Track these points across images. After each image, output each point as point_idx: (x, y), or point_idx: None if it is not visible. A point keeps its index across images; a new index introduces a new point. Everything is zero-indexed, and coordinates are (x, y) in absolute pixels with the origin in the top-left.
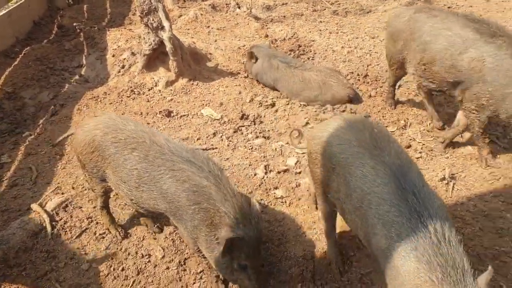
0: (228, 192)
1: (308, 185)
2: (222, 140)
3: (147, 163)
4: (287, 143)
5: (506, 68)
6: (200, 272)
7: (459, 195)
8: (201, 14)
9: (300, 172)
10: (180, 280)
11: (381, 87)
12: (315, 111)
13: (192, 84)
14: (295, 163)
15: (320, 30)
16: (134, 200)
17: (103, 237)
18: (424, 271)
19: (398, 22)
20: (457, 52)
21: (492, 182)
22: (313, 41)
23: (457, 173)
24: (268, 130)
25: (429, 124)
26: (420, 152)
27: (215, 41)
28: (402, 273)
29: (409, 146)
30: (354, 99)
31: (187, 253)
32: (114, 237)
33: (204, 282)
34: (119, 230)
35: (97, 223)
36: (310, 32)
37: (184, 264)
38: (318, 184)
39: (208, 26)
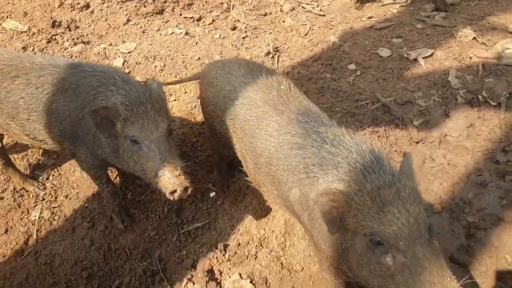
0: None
1: None
2: (35, 54)
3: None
4: (110, 44)
5: None
6: (43, 194)
7: (284, 66)
8: None
9: (129, 72)
10: (20, 207)
11: None
12: (135, 6)
13: None
14: (123, 64)
15: None
16: (31, 135)
17: None
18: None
19: None
20: None
21: (312, 49)
22: None
23: (280, 46)
24: (87, 34)
25: (251, 3)
26: (245, 32)
27: None
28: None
29: (234, 28)
30: None
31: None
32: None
33: (46, 202)
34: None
35: None
36: None
37: (21, 190)
38: (215, 135)
39: None
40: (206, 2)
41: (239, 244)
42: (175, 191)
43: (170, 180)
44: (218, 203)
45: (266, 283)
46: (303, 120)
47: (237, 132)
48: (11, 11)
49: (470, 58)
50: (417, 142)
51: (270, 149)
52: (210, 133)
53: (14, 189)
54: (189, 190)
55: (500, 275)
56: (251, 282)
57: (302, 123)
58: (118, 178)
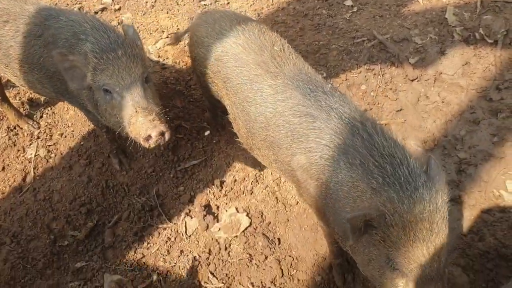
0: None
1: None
2: None
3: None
4: None
5: None
6: (38, 133)
7: (279, 2)
8: None
9: (119, 8)
10: (15, 145)
11: None
12: None
13: None
14: (113, 0)
15: None
16: (26, 86)
17: None
18: (359, 179)
19: None
20: None
21: None
22: None
23: None
24: None
25: None
26: None
27: None
28: (333, 188)
29: None
30: None
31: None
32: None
33: (41, 140)
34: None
35: None
36: None
37: (15, 128)
38: (206, 91)
39: None
40: None
41: (235, 180)
42: (149, 136)
43: (143, 126)
44: (214, 141)
45: (261, 216)
46: (304, 86)
47: (230, 95)
48: None
49: None
50: (412, 80)
51: (266, 114)
52: (202, 88)
53: (8, 127)
54: (167, 136)
55: (488, 208)
56: (247, 215)
57: (304, 89)
58: None
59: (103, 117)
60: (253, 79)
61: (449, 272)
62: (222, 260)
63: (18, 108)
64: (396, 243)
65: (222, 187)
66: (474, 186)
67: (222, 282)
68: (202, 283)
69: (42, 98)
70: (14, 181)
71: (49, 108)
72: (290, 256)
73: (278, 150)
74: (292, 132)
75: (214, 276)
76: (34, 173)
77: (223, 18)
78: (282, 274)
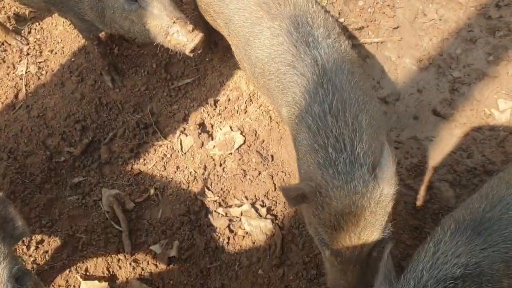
0: None
1: None
2: None
3: None
4: None
5: None
6: (27, 49)
7: None
8: None
9: None
10: (4, 62)
11: None
12: None
13: None
14: None
15: None
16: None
17: None
18: (310, 149)
19: None
20: None
21: None
22: None
23: None
24: None
25: None
26: None
27: None
28: (297, 145)
29: None
30: None
31: None
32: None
33: (31, 57)
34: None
35: None
36: None
37: (3, 44)
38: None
39: None
40: None
41: (229, 99)
42: (195, 47)
43: (185, 36)
44: (207, 59)
45: (255, 134)
46: (297, 32)
47: (232, 37)
48: None
49: None
50: None
51: (263, 59)
52: (202, 19)
53: None
54: (203, 41)
55: (478, 127)
56: (241, 133)
57: (296, 35)
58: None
59: (115, 24)
60: (255, 21)
61: (437, 187)
62: (217, 176)
63: (4, 23)
64: (324, 222)
65: (216, 106)
66: (467, 104)
67: (218, 196)
68: (198, 196)
69: (28, 12)
70: (7, 98)
71: (37, 23)
72: (282, 171)
73: (272, 100)
74: (279, 82)
75: (209, 190)
76: (26, 90)
77: None
78: (275, 188)
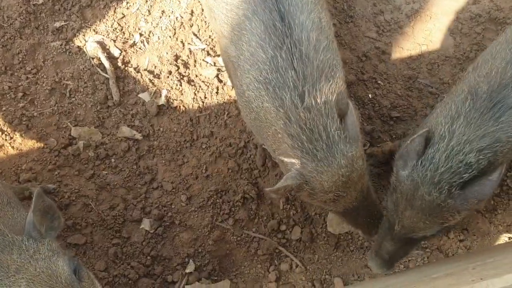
0: None
1: None
2: None
3: None
4: None
5: None
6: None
7: None
8: None
9: None
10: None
11: None
12: None
13: None
14: None
15: None
16: None
17: None
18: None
19: None
20: None
21: None
22: None
23: None
24: None
25: None
26: None
27: None
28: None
29: None
30: None
31: None
32: None
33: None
34: None
35: None
36: None
37: None
38: None
39: None
40: None
41: None
42: None
43: None
44: None
45: None
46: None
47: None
48: None
49: None
50: None
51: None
52: None
53: None
54: None
55: None
56: None
57: (273, 18)
58: None
59: None
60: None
61: (436, 35)
62: (205, 22)
63: None
64: (322, 199)
65: None
66: None
67: (206, 44)
68: (186, 44)
69: None
70: None
71: None
72: None
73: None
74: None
75: (197, 37)
76: None
77: None
78: None
